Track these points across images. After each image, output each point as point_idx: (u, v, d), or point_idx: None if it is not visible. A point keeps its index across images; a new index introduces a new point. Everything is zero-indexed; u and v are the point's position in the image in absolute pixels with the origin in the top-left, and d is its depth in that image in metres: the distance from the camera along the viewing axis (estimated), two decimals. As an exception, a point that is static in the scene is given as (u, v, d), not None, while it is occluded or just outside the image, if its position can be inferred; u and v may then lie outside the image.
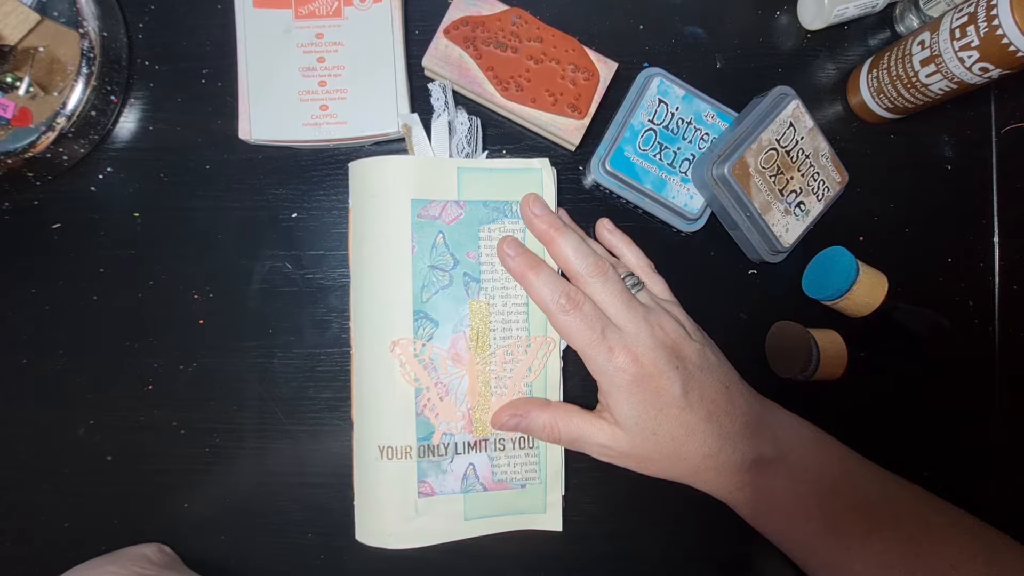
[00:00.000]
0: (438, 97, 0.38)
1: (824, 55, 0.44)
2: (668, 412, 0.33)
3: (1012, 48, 0.33)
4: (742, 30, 0.44)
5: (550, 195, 0.38)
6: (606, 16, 0.43)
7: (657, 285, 0.38)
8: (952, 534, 0.33)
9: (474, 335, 0.37)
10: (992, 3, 0.33)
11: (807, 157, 0.40)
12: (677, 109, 0.40)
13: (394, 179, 0.36)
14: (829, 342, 0.40)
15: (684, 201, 0.40)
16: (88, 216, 0.40)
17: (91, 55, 0.37)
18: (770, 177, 0.39)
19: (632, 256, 0.39)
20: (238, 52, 0.38)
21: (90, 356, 0.40)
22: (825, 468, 0.35)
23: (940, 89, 0.38)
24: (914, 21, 0.44)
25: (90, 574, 0.35)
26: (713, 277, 0.43)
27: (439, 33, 0.39)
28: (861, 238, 0.44)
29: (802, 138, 0.40)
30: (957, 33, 0.36)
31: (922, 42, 0.38)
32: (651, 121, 0.40)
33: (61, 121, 0.36)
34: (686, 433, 0.33)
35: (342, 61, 0.39)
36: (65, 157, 0.38)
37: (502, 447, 0.37)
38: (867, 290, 0.40)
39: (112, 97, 0.39)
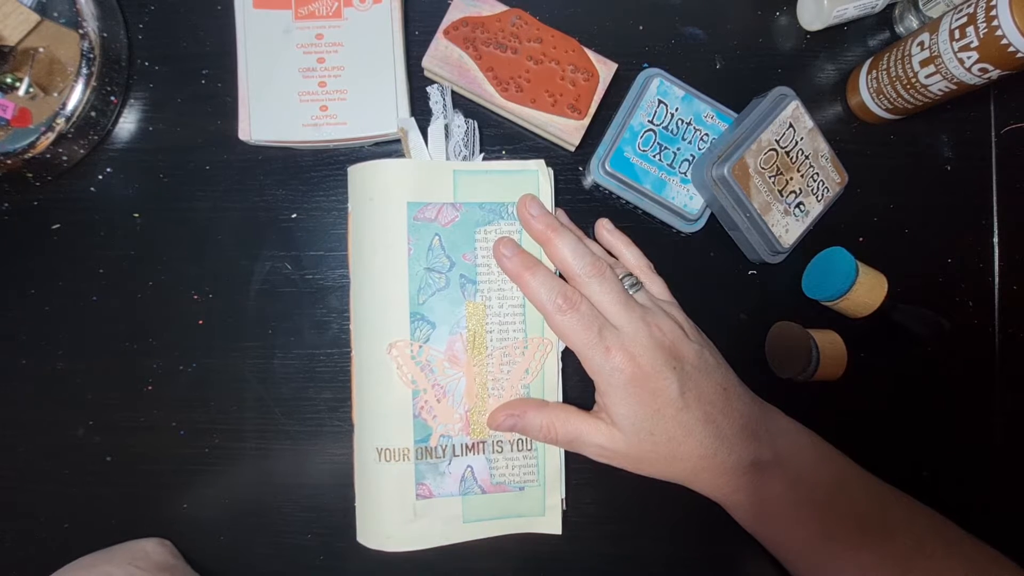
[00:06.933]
0: (436, 100, 0.38)
1: (824, 56, 0.44)
2: (665, 413, 0.33)
3: (1011, 49, 0.33)
4: (742, 31, 0.44)
5: (546, 196, 0.38)
6: (606, 16, 0.43)
7: (656, 285, 0.38)
8: (945, 554, 0.33)
9: (471, 337, 0.37)
10: (991, 4, 0.33)
11: (807, 158, 0.40)
12: (677, 110, 0.40)
13: (390, 182, 0.36)
14: (829, 342, 0.40)
15: (684, 202, 0.40)
16: (88, 216, 0.40)
17: (91, 56, 0.37)
18: (770, 178, 0.39)
19: (631, 256, 0.39)
20: (238, 53, 0.39)
21: (90, 356, 0.40)
22: (822, 476, 0.34)
23: (940, 90, 0.38)
24: (913, 22, 0.44)
25: (85, 574, 0.35)
26: (713, 277, 0.43)
27: (439, 34, 0.39)
28: (861, 238, 0.43)
29: (802, 139, 0.40)
30: (956, 34, 0.35)
31: (921, 43, 0.38)
32: (651, 122, 0.40)
33: (61, 122, 0.36)
34: (683, 434, 0.33)
35: (342, 62, 0.39)
36: (65, 158, 0.38)
37: (500, 449, 0.37)
38: (867, 290, 0.40)
39: (112, 98, 0.39)
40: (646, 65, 0.42)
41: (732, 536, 0.38)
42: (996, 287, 0.44)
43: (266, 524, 0.40)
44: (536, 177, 0.38)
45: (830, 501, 0.34)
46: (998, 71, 0.35)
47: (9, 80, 0.36)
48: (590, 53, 0.40)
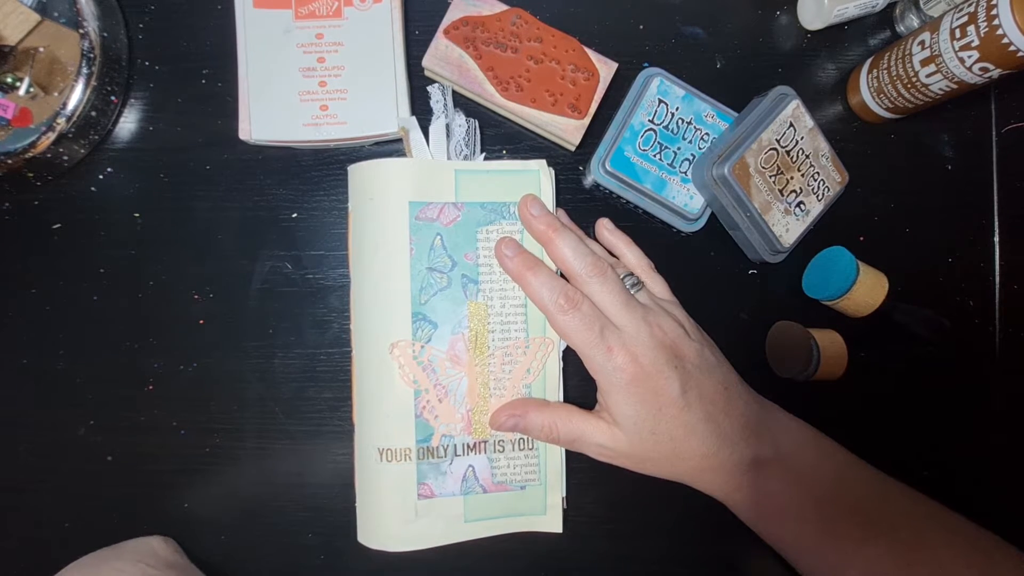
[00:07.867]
0: (437, 100, 0.38)
1: (824, 55, 0.44)
2: (666, 412, 0.33)
3: (1012, 48, 0.33)
4: (742, 30, 0.44)
5: (548, 196, 0.38)
6: (606, 16, 0.43)
7: (657, 285, 0.38)
8: (948, 543, 0.33)
9: (473, 336, 0.37)
10: (992, 3, 0.33)
11: (807, 157, 0.40)
12: (677, 109, 0.40)
13: (392, 181, 0.36)
14: (829, 342, 0.40)
15: (684, 201, 0.40)
16: (88, 216, 0.40)
17: (91, 55, 0.37)
18: (770, 177, 0.39)
19: (632, 256, 0.39)
20: (238, 52, 0.38)
21: (90, 356, 0.40)
22: (823, 471, 0.34)
23: (940, 89, 0.38)
24: (914, 21, 0.44)
25: (94, 571, 0.35)
26: (713, 277, 0.43)
27: (439, 33, 0.39)
28: (861, 238, 0.43)
29: (802, 138, 0.40)
30: (957, 33, 0.35)
31: (922, 42, 0.38)
32: (651, 121, 0.40)
33: (61, 122, 0.36)
34: (685, 433, 0.33)
35: (342, 61, 0.39)
36: (65, 157, 0.38)
37: (501, 448, 0.37)
38: (867, 290, 0.40)
39: (112, 97, 0.39)
40: (646, 64, 0.42)
41: (732, 535, 0.38)
42: (996, 287, 0.44)
43: (267, 524, 0.40)
44: (537, 177, 0.38)
45: (832, 497, 0.34)
46: (999, 70, 0.35)
47: (9, 80, 0.36)
48: (590, 52, 0.40)
